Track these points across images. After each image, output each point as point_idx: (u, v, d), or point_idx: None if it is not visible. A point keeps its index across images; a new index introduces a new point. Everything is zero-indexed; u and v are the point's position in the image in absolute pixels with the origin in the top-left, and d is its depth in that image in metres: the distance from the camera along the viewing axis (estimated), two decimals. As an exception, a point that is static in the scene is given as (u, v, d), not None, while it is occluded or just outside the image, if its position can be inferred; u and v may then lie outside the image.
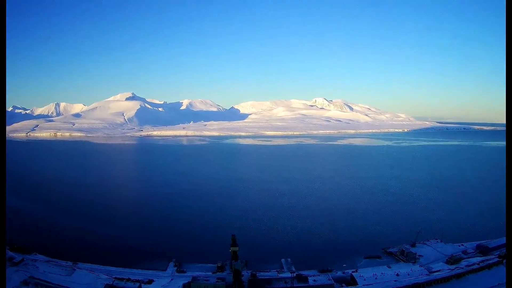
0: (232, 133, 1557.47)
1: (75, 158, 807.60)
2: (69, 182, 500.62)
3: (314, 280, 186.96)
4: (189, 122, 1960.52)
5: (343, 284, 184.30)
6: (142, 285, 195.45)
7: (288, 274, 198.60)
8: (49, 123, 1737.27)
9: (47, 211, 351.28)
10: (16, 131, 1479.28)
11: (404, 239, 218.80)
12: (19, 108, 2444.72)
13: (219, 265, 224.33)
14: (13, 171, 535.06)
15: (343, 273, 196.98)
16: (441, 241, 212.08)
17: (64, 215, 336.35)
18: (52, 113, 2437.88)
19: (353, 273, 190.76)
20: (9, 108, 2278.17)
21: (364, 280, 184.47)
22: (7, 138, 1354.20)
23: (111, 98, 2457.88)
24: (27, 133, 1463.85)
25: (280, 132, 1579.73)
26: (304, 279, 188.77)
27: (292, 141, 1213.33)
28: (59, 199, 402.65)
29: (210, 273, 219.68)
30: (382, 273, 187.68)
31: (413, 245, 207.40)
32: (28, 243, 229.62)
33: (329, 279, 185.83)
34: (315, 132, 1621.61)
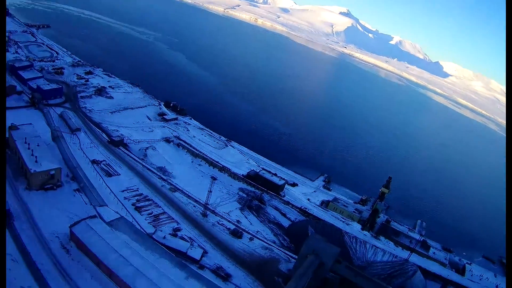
0: (429, 86, 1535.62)
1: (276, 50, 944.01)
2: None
3: (434, 253, 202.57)
4: (393, 58, 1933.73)
5: (453, 269, 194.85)
6: (287, 185, 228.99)
7: (417, 236, 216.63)
8: (253, 7, 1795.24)
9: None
10: (212, 2, 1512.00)
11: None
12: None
13: (363, 198, 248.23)
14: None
15: (459, 260, 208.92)
16: None
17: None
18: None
19: (467, 264, 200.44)
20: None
21: (471, 276, 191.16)
22: (202, 8, 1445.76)
23: (325, 7, 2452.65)
24: (225, 9, 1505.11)
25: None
26: (427, 247, 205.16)
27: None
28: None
29: (351, 202, 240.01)
30: (487, 278, 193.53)
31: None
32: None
33: (445, 259, 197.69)
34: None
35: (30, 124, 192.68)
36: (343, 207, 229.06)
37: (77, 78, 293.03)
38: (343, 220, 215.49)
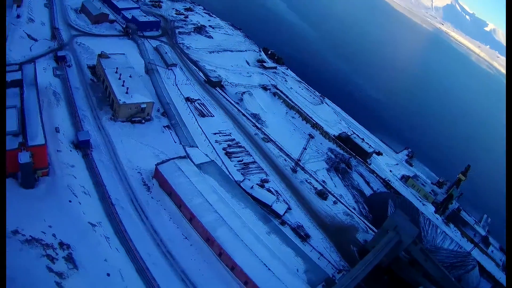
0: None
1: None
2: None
3: (492, 251, 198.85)
4: (486, 45, 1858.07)
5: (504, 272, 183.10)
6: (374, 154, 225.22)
7: (481, 230, 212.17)
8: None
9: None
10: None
11: None
12: None
13: (441, 180, 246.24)
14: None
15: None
16: None
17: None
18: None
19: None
20: None
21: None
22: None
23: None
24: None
25: None
26: (487, 244, 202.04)
27: None
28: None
29: (429, 182, 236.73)
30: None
31: None
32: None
33: (500, 260, 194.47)
34: None
35: (123, 54, 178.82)
36: (421, 186, 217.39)
37: (176, 13, 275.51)
38: (420, 199, 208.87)
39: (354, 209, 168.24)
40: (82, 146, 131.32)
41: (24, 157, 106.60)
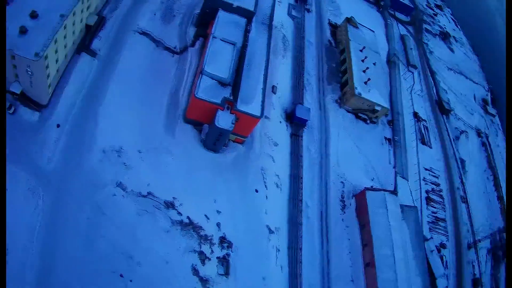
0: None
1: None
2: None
3: None
4: None
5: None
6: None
7: None
8: None
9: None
10: None
11: None
12: None
13: None
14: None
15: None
16: None
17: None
18: None
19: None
20: None
21: None
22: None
23: None
24: None
25: None
26: None
27: None
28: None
29: None
30: None
31: None
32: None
33: None
34: None
35: (373, 32, 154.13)
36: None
37: (426, 5, 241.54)
38: None
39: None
40: (296, 122, 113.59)
41: (224, 121, 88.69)
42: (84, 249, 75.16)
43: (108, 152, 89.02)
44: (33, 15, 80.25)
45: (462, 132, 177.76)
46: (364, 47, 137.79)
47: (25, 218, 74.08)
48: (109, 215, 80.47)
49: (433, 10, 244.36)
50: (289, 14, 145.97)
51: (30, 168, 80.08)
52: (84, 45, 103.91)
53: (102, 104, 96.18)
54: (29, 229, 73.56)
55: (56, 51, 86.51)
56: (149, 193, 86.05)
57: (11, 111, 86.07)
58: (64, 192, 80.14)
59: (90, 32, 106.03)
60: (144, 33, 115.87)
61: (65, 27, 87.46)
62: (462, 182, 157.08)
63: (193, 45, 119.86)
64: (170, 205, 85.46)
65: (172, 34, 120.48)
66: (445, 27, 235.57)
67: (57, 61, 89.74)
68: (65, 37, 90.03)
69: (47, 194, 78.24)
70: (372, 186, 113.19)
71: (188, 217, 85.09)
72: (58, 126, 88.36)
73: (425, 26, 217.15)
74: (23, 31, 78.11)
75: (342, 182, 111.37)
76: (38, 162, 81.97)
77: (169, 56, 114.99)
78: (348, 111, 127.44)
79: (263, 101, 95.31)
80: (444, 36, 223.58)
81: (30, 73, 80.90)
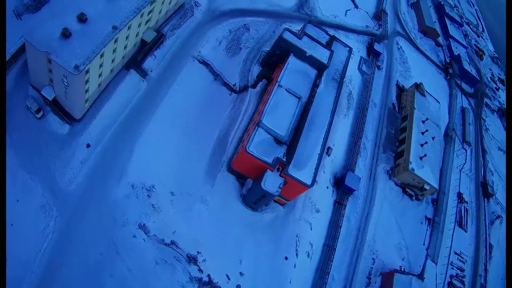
0: None
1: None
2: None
3: None
4: None
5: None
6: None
7: None
8: None
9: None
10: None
11: None
12: None
13: None
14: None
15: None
16: None
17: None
18: None
19: None
20: None
21: None
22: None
23: None
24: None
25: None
26: None
27: None
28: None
29: None
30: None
31: None
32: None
33: None
34: None
35: (439, 103, 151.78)
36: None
37: (491, 78, 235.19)
38: None
39: None
40: (343, 189, 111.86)
41: (271, 184, 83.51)
42: (87, 283, 72.29)
43: (137, 188, 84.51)
44: (81, 19, 72.21)
45: (497, 217, 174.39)
46: (427, 119, 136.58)
47: (32, 235, 71.54)
48: (123, 256, 76.82)
49: (495, 83, 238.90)
50: (359, 68, 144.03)
51: (47, 184, 76.55)
52: (135, 62, 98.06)
53: (142, 134, 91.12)
54: (35, 248, 71.01)
55: (100, 66, 79.11)
56: (172, 242, 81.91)
57: (39, 116, 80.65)
58: (80, 219, 76.48)
59: (145, 49, 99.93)
60: (204, 62, 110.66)
61: (115, 41, 78.86)
62: (485, 269, 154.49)
63: (254, 86, 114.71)
64: (192, 259, 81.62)
65: (234, 69, 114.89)
66: (503, 104, 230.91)
67: (100, 75, 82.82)
68: (114, 51, 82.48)
69: (60, 216, 74.91)
70: (400, 267, 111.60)
71: (208, 275, 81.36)
72: (88, 146, 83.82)
73: (485, 100, 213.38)
74: (66, 34, 69.57)
75: (373, 258, 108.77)
76: (58, 180, 78.09)
77: (226, 94, 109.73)
78: (397, 184, 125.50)
79: (317, 169, 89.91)
80: (502, 113, 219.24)
81: (66, 83, 73.33)
